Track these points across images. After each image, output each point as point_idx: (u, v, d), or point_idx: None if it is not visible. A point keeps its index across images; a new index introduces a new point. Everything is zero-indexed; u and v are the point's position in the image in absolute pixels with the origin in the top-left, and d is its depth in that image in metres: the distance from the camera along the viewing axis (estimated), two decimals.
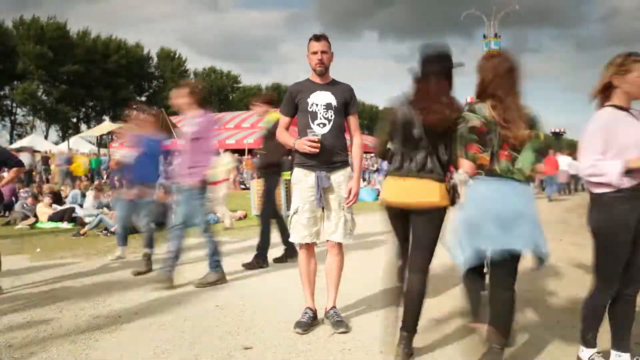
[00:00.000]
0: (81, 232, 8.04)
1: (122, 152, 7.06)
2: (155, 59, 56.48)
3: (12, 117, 47.59)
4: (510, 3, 28.05)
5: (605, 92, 2.74)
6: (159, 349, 3.21)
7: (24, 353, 3.17)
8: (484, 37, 31.19)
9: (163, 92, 53.84)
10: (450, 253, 2.85)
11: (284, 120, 3.60)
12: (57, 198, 11.11)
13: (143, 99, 56.11)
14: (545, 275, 5.25)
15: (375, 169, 22.21)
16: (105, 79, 48.21)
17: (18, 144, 30.49)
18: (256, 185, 7.22)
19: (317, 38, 3.45)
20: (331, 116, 3.43)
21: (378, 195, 13.22)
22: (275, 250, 5.74)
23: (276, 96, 5.94)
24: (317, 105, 3.42)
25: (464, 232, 2.75)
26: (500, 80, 2.74)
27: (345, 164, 3.53)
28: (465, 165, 2.76)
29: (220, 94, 61.80)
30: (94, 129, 33.77)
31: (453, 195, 2.94)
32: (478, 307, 3.07)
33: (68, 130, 47.52)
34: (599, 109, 2.75)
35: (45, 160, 20.84)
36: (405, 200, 2.96)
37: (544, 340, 3.39)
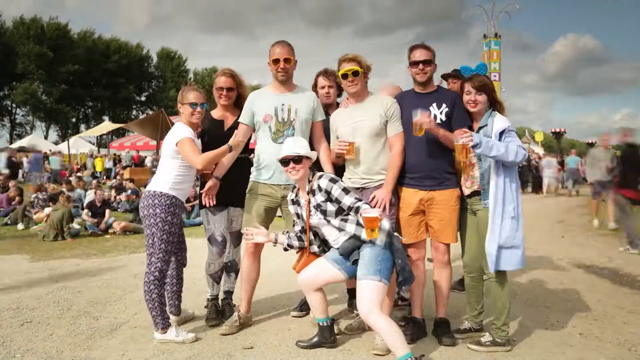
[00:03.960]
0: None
1: None
2: (155, 59, 56.51)
3: (12, 117, 47.60)
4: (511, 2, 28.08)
5: None
6: (158, 349, 3.21)
7: (24, 353, 3.17)
8: (484, 36, 31.19)
9: (163, 92, 53.94)
10: None
11: None
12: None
13: (143, 99, 56.22)
14: (545, 275, 5.25)
15: None
16: (105, 79, 48.27)
17: (18, 144, 30.51)
18: None
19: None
20: None
21: None
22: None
23: None
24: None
25: None
26: None
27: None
28: None
29: None
30: (93, 128, 33.80)
31: None
32: None
33: (68, 130, 47.56)
34: None
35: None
36: None
37: (544, 340, 3.39)
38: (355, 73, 3.28)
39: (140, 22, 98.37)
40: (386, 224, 2.93)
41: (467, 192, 3.26)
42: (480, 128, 3.21)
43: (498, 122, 3.13)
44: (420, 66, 3.29)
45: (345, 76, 3.31)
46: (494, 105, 3.25)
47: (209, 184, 3.51)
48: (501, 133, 3.09)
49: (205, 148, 3.43)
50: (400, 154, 3.30)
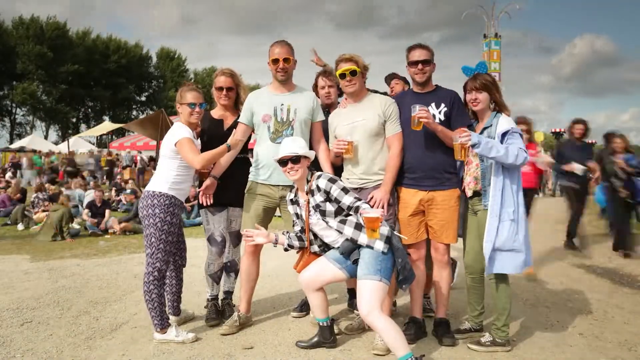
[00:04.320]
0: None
1: None
2: (155, 59, 56.51)
3: (12, 117, 47.59)
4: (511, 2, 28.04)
5: None
6: (158, 349, 3.21)
7: (24, 353, 3.17)
8: (484, 36, 31.17)
9: (163, 92, 53.94)
10: None
11: None
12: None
13: (143, 99, 56.22)
14: (545, 275, 5.25)
15: None
16: (105, 79, 48.26)
17: (18, 144, 30.51)
18: None
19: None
20: None
21: None
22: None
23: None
24: None
25: None
26: None
27: None
28: None
29: None
30: (93, 128, 33.79)
31: None
32: None
33: (68, 130, 47.54)
34: None
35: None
36: None
37: (544, 340, 3.39)
38: (353, 73, 3.28)
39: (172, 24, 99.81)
40: (384, 229, 2.93)
41: (469, 193, 3.26)
42: (485, 128, 3.20)
43: (502, 123, 3.13)
44: (420, 66, 3.28)
45: (343, 76, 3.31)
46: (497, 105, 3.25)
47: (206, 182, 3.51)
48: (504, 134, 3.09)
49: (204, 148, 3.43)
50: (398, 155, 3.29)
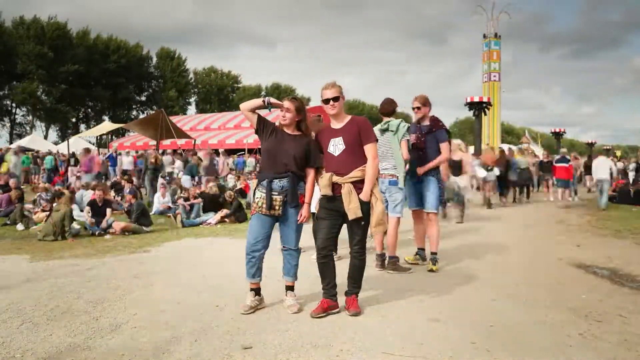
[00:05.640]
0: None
1: None
2: (155, 59, 56.49)
3: (12, 117, 47.58)
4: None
5: None
6: (159, 349, 3.21)
7: (24, 353, 3.17)
8: (484, 36, 31.07)
9: (163, 92, 53.93)
10: None
11: None
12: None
13: (143, 99, 56.22)
14: (545, 275, 5.25)
15: None
16: (105, 79, 48.26)
17: (17, 143, 30.52)
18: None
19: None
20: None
21: None
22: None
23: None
24: None
25: None
26: None
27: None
28: None
29: (220, 93, 61.81)
30: (93, 128, 33.80)
31: None
32: None
33: (68, 130, 47.53)
34: None
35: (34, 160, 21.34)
36: None
37: (544, 340, 3.39)
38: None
39: None
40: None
41: None
42: None
43: None
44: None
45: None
46: None
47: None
48: None
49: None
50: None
